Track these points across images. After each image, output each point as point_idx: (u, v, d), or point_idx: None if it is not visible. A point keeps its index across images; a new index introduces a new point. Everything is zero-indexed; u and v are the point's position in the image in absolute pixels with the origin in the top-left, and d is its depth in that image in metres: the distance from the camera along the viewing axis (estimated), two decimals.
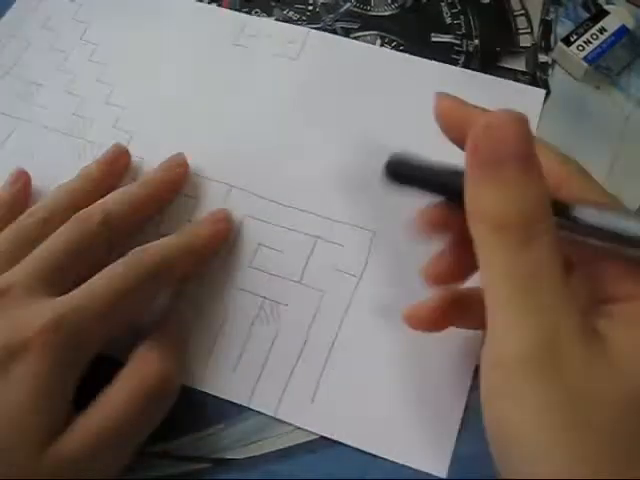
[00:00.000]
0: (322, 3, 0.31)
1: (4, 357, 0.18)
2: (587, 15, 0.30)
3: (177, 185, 0.24)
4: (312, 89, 0.28)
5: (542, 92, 0.28)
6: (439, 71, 0.28)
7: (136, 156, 0.26)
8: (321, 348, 0.22)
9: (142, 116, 0.27)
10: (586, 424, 0.13)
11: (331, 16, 0.31)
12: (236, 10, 0.31)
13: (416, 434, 0.21)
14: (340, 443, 0.21)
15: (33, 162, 0.26)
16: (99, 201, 0.22)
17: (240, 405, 0.22)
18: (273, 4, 0.31)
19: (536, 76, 0.29)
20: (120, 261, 0.20)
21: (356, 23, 0.31)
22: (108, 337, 0.20)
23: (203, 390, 0.22)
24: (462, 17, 0.32)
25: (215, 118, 0.27)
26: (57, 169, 0.25)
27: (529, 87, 0.28)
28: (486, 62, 0.30)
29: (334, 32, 0.30)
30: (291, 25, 0.30)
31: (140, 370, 0.19)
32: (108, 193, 0.23)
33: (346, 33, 0.30)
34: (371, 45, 0.29)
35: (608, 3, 0.31)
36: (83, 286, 0.19)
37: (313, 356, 0.22)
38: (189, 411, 0.21)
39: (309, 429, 0.21)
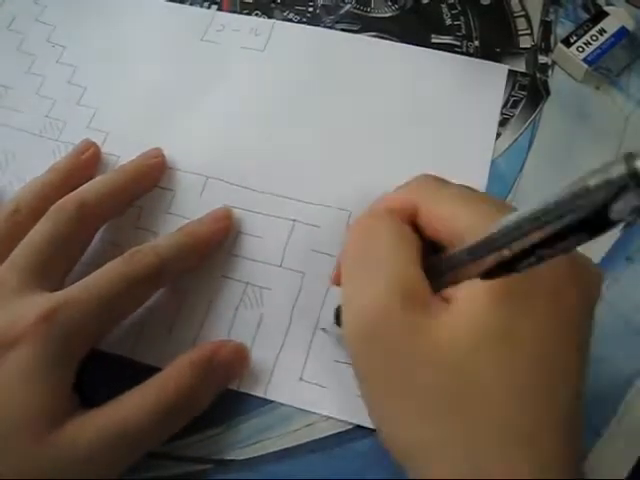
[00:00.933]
0: (322, 5, 0.52)
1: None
2: (587, 16, 0.50)
3: (154, 171, 0.42)
4: (281, 78, 0.47)
5: (505, 67, 0.48)
6: (404, 53, 0.48)
7: (112, 154, 0.45)
8: (306, 328, 0.39)
9: (116, 115, 0.46)
10: (395, 383, 0.26)
11: (331, 17, 0.51)
12: (236, 12, 0.51)
13: None
14: (339, 444, 0.35)
15: (7, 165, 0.44)
16: (75, 191, 0.37)
17: (240, 406, 0.36)
18: (273, 6, 0.52)
19: (536, 77, 0.48)
20: (119, 259, 0.34)
21: (356, 25, 0.51)
22: (103, 333, 0.34)
23: None
24: (462, 18, 0.52)
25: (187, 113, 0.46)
26: (33, 171, 0.43)
27: (493, 63, 0.48)
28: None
29: None
30: (257, 18, 0.50)
31: (171, 381, 0.32)
32: (80, 185, 0.38)
33: None
34: (335, 31, 0.49)
35: (608, 4, 0.51)
36: (80, 282, 0.33)
37: (298, 336, 0.38)
38: None
39: (298, 406, 0.36)
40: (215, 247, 0.40)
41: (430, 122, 0.46)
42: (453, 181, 0.31)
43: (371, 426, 0.35)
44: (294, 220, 0.42)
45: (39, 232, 0.35)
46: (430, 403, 0.26)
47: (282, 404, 0.37)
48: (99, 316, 0.33)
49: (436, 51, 0.49)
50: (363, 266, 0.28)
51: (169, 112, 0.47)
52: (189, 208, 0.42)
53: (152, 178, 0.42)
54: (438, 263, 0.27)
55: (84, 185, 0.38)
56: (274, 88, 0.47)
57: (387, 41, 0.49)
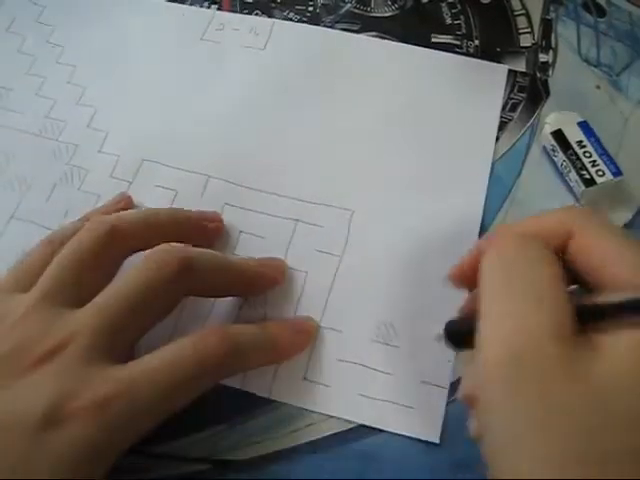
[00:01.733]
0: (322, 4, 0.52)
1: (44, 423, 0.27)
2: (587, 15, 0.51)
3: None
4: (281, 77, 0.47)
5: (505, 67, 0.47)
6: (404, 52, 0.48)
7: (112, 154, 0.44)
8: None
9: (116, 114, 0.46)
10: (551, 427, 0.23)
11: (331, 17, 0.51)
12: (236, 12, 0.51)
13: (407, 403, 0.36)
14: (340, 444, 0.35)
15: (8, 166, 0.44)
16: (175, 246, 0.34)
17: (240, 407, 0.36)
18: (273, 5, 0.51)
19: (536, 77, 0.48)
20: (190, 341, 0.31)
21: (356, 24, 0.50)
22: (156, 422, 0.31)
23: None
24: (462, 17, 0.51)
25: (188, 112, 0.46)
26: (33, 172, 0.44)
27: (493, 64, 0.48)
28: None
29: None
30: (257, 17, 0.50)
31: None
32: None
33: None
34: (335, 31, 0.49)
35: (608, 3, 0.51)
36: (141, 362, 0.30)
37: None
38: (190, 412, 0.32)
39: (302, 406, 0.36)
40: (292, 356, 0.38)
41: (430, 122, 0.45)
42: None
43: (375, 425, 0.36)
44: (297, 220, 0.42)
45: (130, 285, 0.32)
46: (573, 449, 0.23)
47: (282, 404, 0.37)
48: (158, 406, 0.31)
49: (436, 51, 0.49)
50: (512, 296, 0.26)
51: (169, 112, 0.46)
52: (191, 207, 0.41)
53: (261, 288, 0.39)
54: (588, 304, 0.25)
55: (196, 249, 0.35)
56: (274, 87, 0.47)
57: (387, 41, 0.49)
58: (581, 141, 0.43)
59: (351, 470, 0.35)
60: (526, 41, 0.50)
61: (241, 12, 0.51)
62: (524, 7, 0.51)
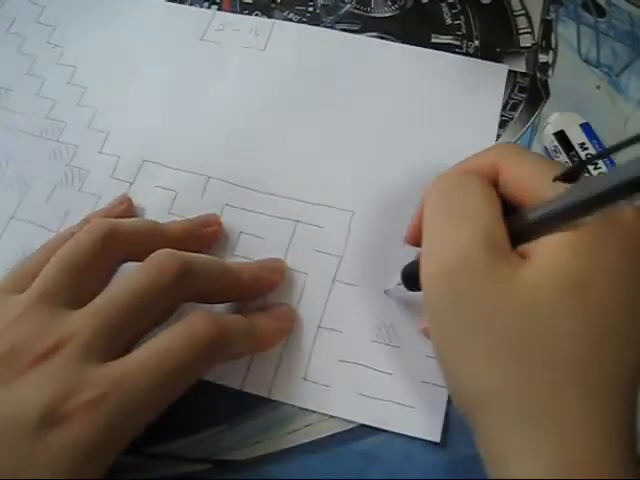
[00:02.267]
0: (322, 4, 0.51)
1: (41, 424, 0.27)
2: (587, 15, 0.50)
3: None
4: (281, 78, 0.47)
5: (505, 67, 0.47)
6: (404, 53, 0.48)
7: (113, 155, 0.44)
8: (309, 328, 0.38)
9: (116, 115, 0.46)
10: (485, 328, 0.27)
11: (331, 17, 0.51)
12: (236, 12, 0.50)
13: (408, 403, 0.36)
14: (340, 444, 0.35)
15: (8, 167, 0.44)
16: (174, 251, 0.33)
17: (240, 407, 0.36)
18: (273, 6, 0.51)
19: (536, 77, 0.48)
20: (179, 335, 0.31)
21: (356, 24, 0.50)
22: (151, 417, 0.31)
23: None
24: (462, 17, 0.51)
25: (188, 112, 0.46)
26: (33, 172, 0.43)
27: (493, 63, 0.47)
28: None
29: None
30: (257, 17, 0.50)
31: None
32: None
33: None
34: (335, 31, 0.49)
35: (608, 3, 0.51)
36: (135, 357, 0.30)
37: (302, 336, 0.38)
38: (190, 413, 0.34)
39: (302, 406, 0.36)
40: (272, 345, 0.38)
41: (431, 122, 0.45)
42: None
43: (376, 425, 0.36)
44: (297, 221, 0.41)
45: (129, 288, 0.32)
46: (503, 347, 0.27)
47: (281, 404, 0.37)
48: (153, 396, 0.31)
49: (436, 51, 0.48)
50: (449, 218, 0.29)
51: (170, 112, 0.46)
52: (191, 208, 0.41)
53: (260, 291, 0.39)
54: (516, 222, 0.29)
55: (195, 255, 0.35)
56: (275, 88, 0.47)
57: (387, 41, 0.49)
58: (583, 143, 0.43)
59: (351, 470, 0.35)
60: (526, 41, 0.49)
61: (241, 12, 0.51)
62: (524, 7, 0.51)
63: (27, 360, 0.30)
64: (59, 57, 0.49)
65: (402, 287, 0.36)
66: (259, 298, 0.39)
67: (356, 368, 0.37)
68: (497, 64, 0.48)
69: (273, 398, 0.37)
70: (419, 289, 0.31)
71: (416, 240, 0.34)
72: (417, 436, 0.36)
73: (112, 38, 0.49)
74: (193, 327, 0.32)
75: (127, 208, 0.41)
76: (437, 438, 0.36)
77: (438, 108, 0.46)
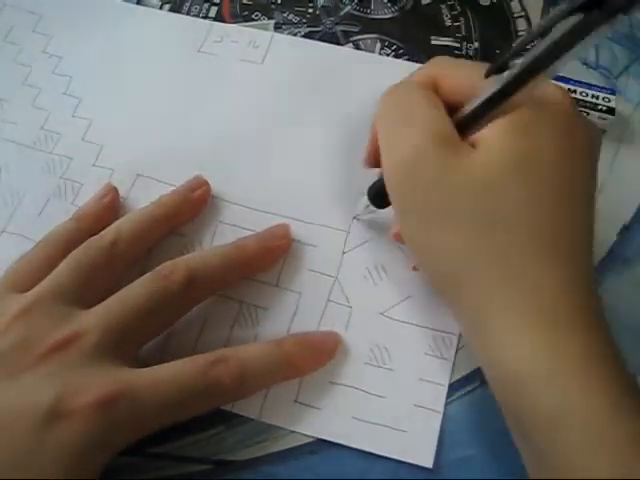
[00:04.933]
0: (322, 6, 0.49)
1: (48, 418, 0.27)
2: None
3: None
4: (279, 93, 0.44)
5: None
6: (404, 69, 0.44)
7: (106, 167, 0.42)
8: None
9: (111, 127, 0.43)
10: (445, 213, 0.29)
11: (331, 19, 0.49)
12: (236, 13, 0.48)
13: (400, 427, 0.34)
14: (340, 444, 0.34)
15: (1, 178, 0.42)
16: (184, 258, 0.34)
17: None
18: (273, 7, 0.49)
19: None
20: (201, 363, 0.31)
21: (356, 26, 0.48)
22: (151, 430, 0.30)
23: None
24: (462, 19, 0.49)
25: (184, 126, 0.43)
26: (26, 184, 0.41)
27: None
28: None
29: (334, 36, 0.48)
30: (255, 30, 0.47)
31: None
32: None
33: (346, 36, 0.48)
34: (334, 46, 0.47)
35: None
36: (148, 372, 0.30)
37: None
38: None
39: (293, 429, 0.34)
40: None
41: None
42: None
43: (368, 450, 0.34)
44: (291, 239, 0.39)
45: (139, 295, 0.32)
46: (466, 222, 0.29)
47: None
48: (157, 416, 0.30)
49: None
50: (399, 123, 0.31)
51: (165, 126, 0.44)
52: (185, 226, 0.39)
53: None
54: (460, 116, 0.31)
55: (197, 256, 0.36)
56: (273, 102, 0.44)
57: (388, 57, 0.47)
58: (569, 89, 0.43)
59: (351, 470, 0.34)
60: None
61: (241, 14, 0.49)
62: (523, 9, 0.50)
63: (39, 352, 0.29)
64: (55, 67, 0.46)
65: (371, 207, 0.37)
66: (272, 266, 0.38)
67: (348, 391, 0.35)
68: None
69: (263, 420, 0.35)
70: (387, 204, 0.34)
71: (373, 161, 0.36)
72: (409, 461, 0.34)
73: (109, 49, 0.47)
74: (213, 370, 0.31)
75: (112, 199, 0.39)
76: (429, 463, 0.34)
77: None
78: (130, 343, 0.32)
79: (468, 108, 0.30)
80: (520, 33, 0.48)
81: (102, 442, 0.28)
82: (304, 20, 0.48)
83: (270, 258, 0.38)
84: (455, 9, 0.49)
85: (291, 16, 0.49)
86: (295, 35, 0.48)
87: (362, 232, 0.39)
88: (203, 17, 0.49)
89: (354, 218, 0.39)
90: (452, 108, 0.31)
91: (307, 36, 0.48)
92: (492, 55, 0.47)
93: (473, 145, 0.29)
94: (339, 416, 0.35)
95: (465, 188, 0.29)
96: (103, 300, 0.32)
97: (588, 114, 0.42)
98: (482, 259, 0.28)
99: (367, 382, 0.35)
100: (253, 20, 0.49)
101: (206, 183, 0.40)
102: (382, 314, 0.37)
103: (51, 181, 0.41)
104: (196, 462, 0.34)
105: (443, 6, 0.49)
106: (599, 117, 0.42)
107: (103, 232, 0.35)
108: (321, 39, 0.47)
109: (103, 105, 0.44)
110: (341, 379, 0.36)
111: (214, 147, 0.42)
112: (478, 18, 0.49)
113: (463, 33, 0.48)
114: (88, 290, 0.33)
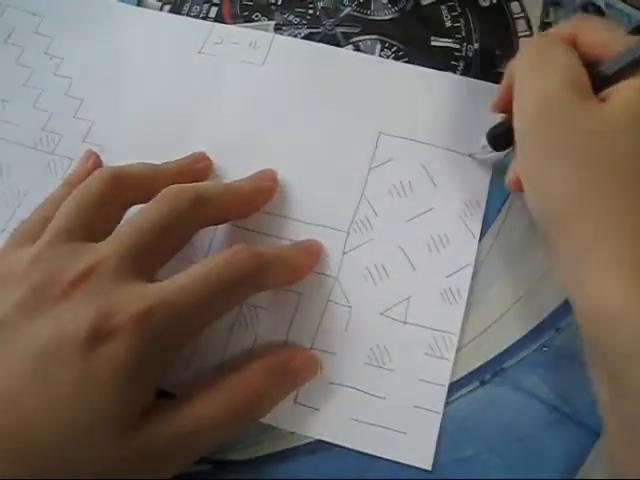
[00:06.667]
0: (322, 7, 0.48)
1: (92, 340, 0.27)
2: None
3: (265, 195, 0.39)
4: (279, 94, 0.43)
5: None
6: (404, 71, 0.44)
7: None
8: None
9: (112, 129, 0.42)
10: (571, 153, 0.30)
11: (331, 20, 0.48)
12: (236, 14, 0.47)
13: (399, 428, 0.33)
14: (340, 445, 0.33)
15: (2, 179, 0.41)
16: (186, 184, 0.34)
17: None
18: (273, 8, 0.48)
19: None
20: (220, 258, 0.31)
21: (356, 27, 0.47)
22: (195, 334, 0.31)
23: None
24: (462, 20, 0.48)
25: (185, 127, 0.42)
26: (27, 186, 0.40)
27: (493, 85, 0.43)
28: (485, 66, 0.45)
29: (334, 37, 0.47)
30: (256, 31, 0.46)
31: (242, 389, 0.31)
32: None
33: (346, 38, 0.47)
34: (336, 48, 0.45)
35: (607, 5, 0.47)
36: (176, 280, 0.30)
37: None
38: None
39: (292, 430, 0.34)
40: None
41: (431, 141, 0.41)
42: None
43: (366, 451, 0.33)
44: (291, 240, 0.38)
45: (150, 216, 0.32)
46: (585, 160, 0.30)
47: None
48: (194, 318, 0.30)
49: (437, 71, 0.44)
50: (538, 69, 0.32)
51: (166, 126, 0.42)
52: None
53: (262, 201, 0.39)
54: (596, 71, 0.32)
55: (200, 183, 0.37)
56: (273, 104, 0.43)
57: (388, 60, 0.45)
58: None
59: (351, 470, 0.33)
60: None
61: (241, 14, 0.47)
62: (523, 10, 0.48)
63: (63, 285, 0.29)
64: (56, 68, 0.45)
65: (487, 149, 0.38)
66: (263, 206, 0.38)
67: (348, 391, 0.34)
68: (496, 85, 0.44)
69: (262, 421, 0.34)
70: (505, 147, 0.37)
71: (504, 105, 0.36)
72: (408, 463, 0.33)
73: (110, 50, 0.46)
74: (233, 255, 0.31)
75: (94, 164, 0.40)
76: (428, 465, 0.33)
77: (438, 127, 0.42)
78: (148, 262, 0.31)
79: (606, 65, 0.31)
80: (520, 34, 0.47)
81: (150, 356, 0.28)
82: (304, 21, 0.47)
83: (262, 197, 0.38)
84: (455, 10, 0.48)
85: (291, 17, 0.48)
86: (295, 36, 0.46)
87: (362, 232, 0.38)
88: (203, 17, 0.47)
89: (469, 155, 0.40)
90: (588, 63, 0.32)
91: (307, 37, 0.46)
92: (492, 56, 0.46)
93: (603, 100, 0.31)
94: (338, 417, 0.34)
95: (589, 129, 0.30)
96: (109, 235, 0.32)
97: None
98: (596, 194, 0.29)
99: (367, 383, 0.35)
100: (253, 21, 0.47)
101: (207, 158, 0.40)
102: (382, 314, 0.36)
103: (52, 182, 0.40)
104: (196, 462, 0.32)
105: (443, 7, 0.48)
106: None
107: (100, 170, 0.35)
108: (321, 40, 0.46)
109: (104, 107, 0.43)
110: (340, 380, 0.35)
111: (215, 148, 0.41)
112: (478, 19, 0.48)
113: (463, 34, 0.47)
114: (95, 226, 0.32)
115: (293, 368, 0.33)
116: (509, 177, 0.36)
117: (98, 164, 0.40)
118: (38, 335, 0.28)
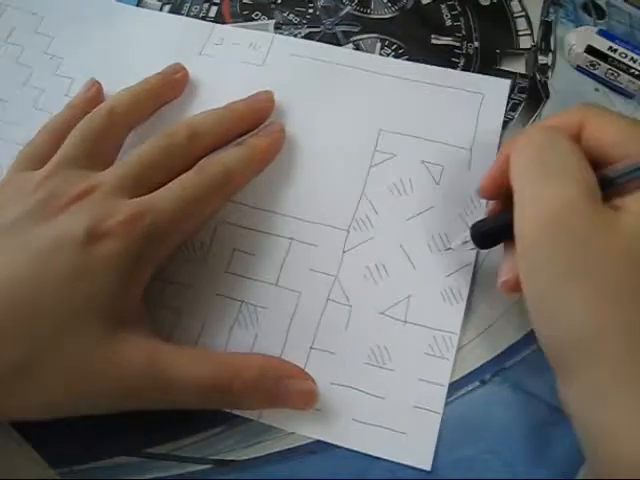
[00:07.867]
0: (322, 6, 0.48)
1: (89, 240, 0.30)
2: (587, 16, 0.46)
3: (263, 115, 0.40)
4: (279, 94, 0.42)
5: (507, 82, 0.43)
6: (404, 68, 0.44)
7: None
8: (301, 349, 0.35)
9: None
10: (588, 271, 0.26)
11: (331, 19, 0.47)
12: (237, 14, 0.46)
13: (399, 429, 0.33)
14: (340, 445, 0.32)
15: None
16: (185, 120, 0.37)
17: None
18: (273, 7, 0.47)
19: (535, 78, 0.44)
20: (192, 171, 0.34)
21: (356, 26, 0.47)
22: (180, 240, 0.35)
23: None
24: (462, 19, 0.47)
25: None
26: None
27: (493, 78, 0.43)
28: (485, 64, 0.45)
29: (334, 36, 0.46)
30: (256, 31, 0.46)
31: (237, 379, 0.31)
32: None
33: (346, 36, 0.46)
34: (335, 47, 0.45)
35: (608, 4, 0.47)
36: (161, 190, 0.33)
37: (294, 358, 0.34)
38: (190, 413, 0.32)
39: (292, 430, 0.33)
40: (271, 159, 0.40)
41: (432, 138, 0.41)
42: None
43: (366, 452, 0.33)
44: (291, 238, 0.38)
45: (149, 150, 0.35)
46: (606, 293, 0.26)
47: None
48: (176, 224, 0.33)
49: (436, 67, 0.44)
50: (545, 171, 0.29)
51: (166, 126, 0.41)
52: None
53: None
54: (606, 177, 0.29)
55: (194, 117, 0.39)
56: (275, 104, 0.42)
57: (387, 57, 0.45)
58: (611, 47, 0.42)
59: (351, 470, 0.32)
60: (526, 43, 0.46)
61: (241, 13, 0.47)
62: (524, 9, 0.48)
63: (64, 201, 0.32)
64: (56, 68, 0.44)
65: (470, 244, 0.33)
66: (260, 125, 0.40)
67: (348, 391, 0.34)
68: (498, 79, 0.44)
69: (262, 421, 0.33)
70: (492, 246, 0.32)
71: (492, 193, 0.33)
72: (407, 464, 0.32)
73: (110, 50, 0.45)
74: (203, 168, 0.35)
75: (96, 92, 0.42)
76: (428, 466, 0.32)
77: (439, 124, 0.41)
78: (145, 187, 0.33)
79: (618, 173, 0.28)
80: (520, 33, 0.46)
81: (142, 253, 0.31)
82: (304, 20, 0.47)
83: (258, 118, 0.40)
84: (455, 9, 0.47)
85: (291, 16, 0.47)
86: (295, 35, 0.46)
87: (362, 231, 0.38)
88: (203, 17, 0.47)
89: (447, 249, 0.36)
90: (594, 164, 0.29)
91: (307, 36, 0.46)
92: (492, 55, 0.45)
93: (614, 209, 0.27)
94: (338, 418, 0.33)
95: (613, 253, 0.26)
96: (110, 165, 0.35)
97: (619, 75, 0.42)
98: (613, 331, 0.26)
99: (367, 383, 0.34)
100: (253, 20, 0.47)
101: (184, 68, 0.43)
102: (382, 314, 0.35)
103: None
104: (196, 462, 0.33)
105: (443, 6, 0.48)
106: (629, 80, 0.42)
107: (99, 106, 0.38)
108: (321, 39, 0.46)
109: None
110: (340, 379, 0.34)
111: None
112: (478, 18, 0.47)
113: (463, 33, 0.46)
114: (97, 156, 0.35)
115: (288, 385, 0.33)
116: (505, 277, 0.31)
117: (101, 91, 0.42)
118: (42, 235, 0.31)
